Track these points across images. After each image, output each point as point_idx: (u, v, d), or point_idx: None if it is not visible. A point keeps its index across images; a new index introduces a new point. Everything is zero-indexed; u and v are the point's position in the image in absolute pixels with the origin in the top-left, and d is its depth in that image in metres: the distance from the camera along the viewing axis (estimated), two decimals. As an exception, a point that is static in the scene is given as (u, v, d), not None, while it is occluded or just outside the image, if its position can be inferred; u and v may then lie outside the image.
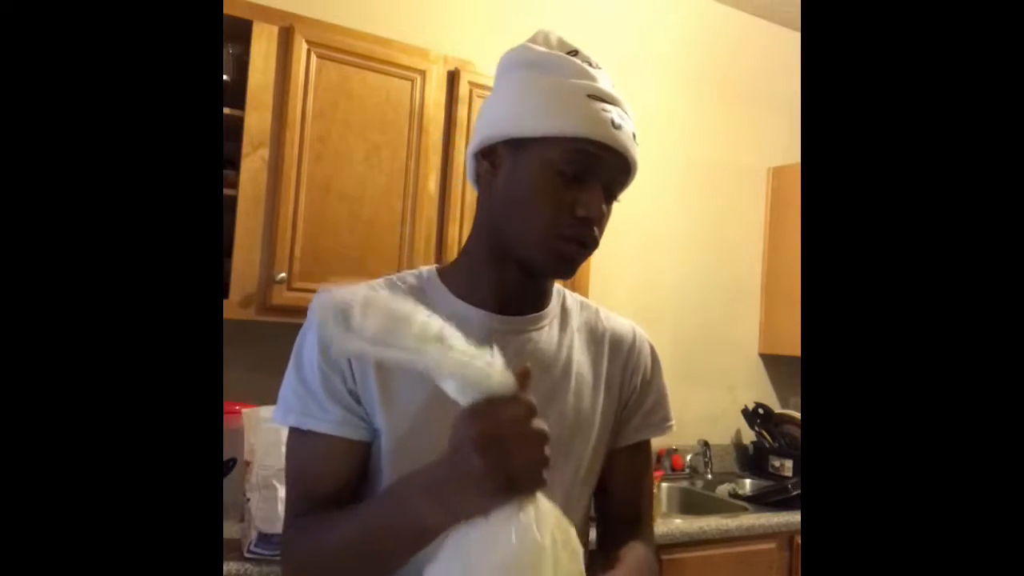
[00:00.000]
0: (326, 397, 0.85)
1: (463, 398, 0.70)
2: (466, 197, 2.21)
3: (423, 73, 2.16)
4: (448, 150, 2.20)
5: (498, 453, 0.67)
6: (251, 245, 1.96)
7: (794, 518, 2.40)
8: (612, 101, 0.87)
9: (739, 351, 3.16)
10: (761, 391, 3.20)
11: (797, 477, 2.73)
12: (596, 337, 0.98)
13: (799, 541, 2.44)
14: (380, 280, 0.92)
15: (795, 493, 2.52)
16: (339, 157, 2.05)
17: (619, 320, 1.03)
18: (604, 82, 0.88)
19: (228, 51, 1.99)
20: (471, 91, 2.22)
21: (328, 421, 0.85)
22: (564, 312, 0.98)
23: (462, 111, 2.20)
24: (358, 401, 0.86)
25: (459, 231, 2.20)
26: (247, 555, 1.69)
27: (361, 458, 0.88)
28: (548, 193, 0.84)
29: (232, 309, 1.93)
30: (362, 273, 2.07)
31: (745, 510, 2.48)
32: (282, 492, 1.69)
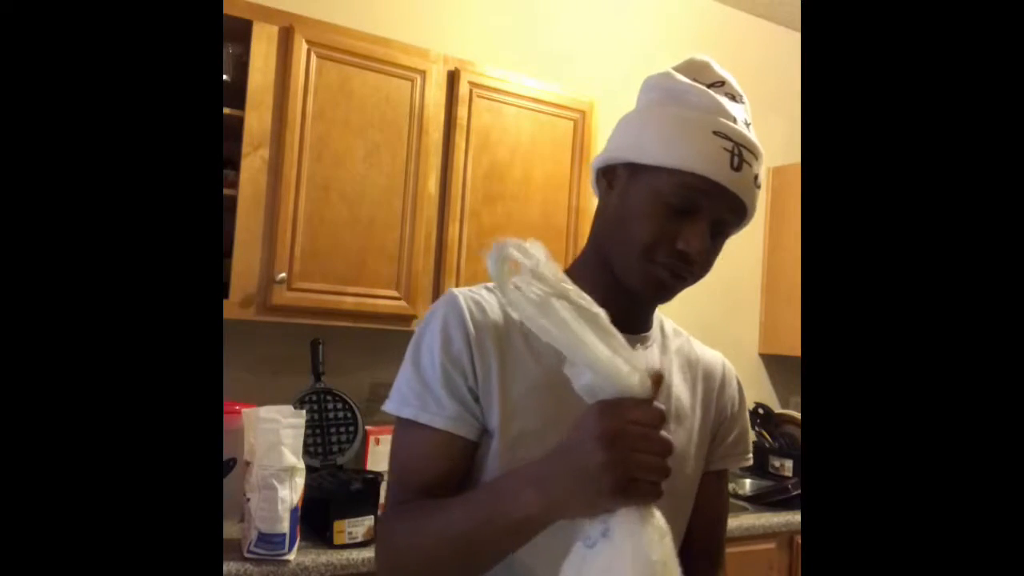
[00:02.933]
0: (444, 393, 0.86)
1: (594, 393, 0.69)
2: (466, 197, 2.21)
3: (423, 73, 2.16)
4: (448, 150, 2.20)
5: (622, 452, 0.66)
6: (251, 245, 1.96)
7: (794, 518, 2.40)
8: (739, 140, 0.86)
9: (739, 351, 3.16)
10: (761, 391, 3.19)
11: (797, 477, 2.73)
12: (690, 365, 1.00)
13: (799, 541, 2.44)
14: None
15: (795, 493, 2.52)
16: (339, 157, 2.05)
17: (709, 351, 1.05)
18: (739, 119, 0.89)
19: (228, 51, 1.99)
20: (471, 91, 2.22)
21: (444, 417, 0.86)
22: (664, 336, 1.00)
23: (462, 111, 2.20)
24: (476, 400, 0.87)
25: (459, 231, 2.20)
26: (247, 555, 1.69)
27: (468, 457, 0.88)
28: (652, 220, 0.86)
29: (232, 309, 1.93)
30: (362, 273, 2.07)
31: (745, 510, 2.48)
32: (282, 492, 1.69)
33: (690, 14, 3.07)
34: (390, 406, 0.90)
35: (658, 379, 0.69)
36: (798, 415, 2.96)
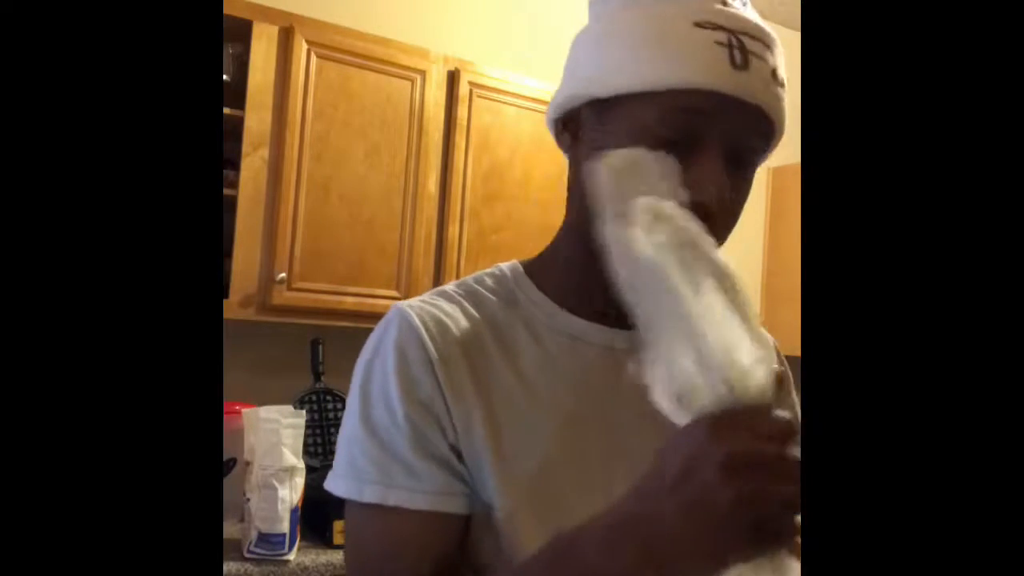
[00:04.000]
0: (417, 457, 0.61)
1: (686, 395, 0.49)
2: (466, 197, 2.21)
3: (423, 73, 2.16)
4: (448, 150, 2.20)
5: (759, 483, 0.46)
6: (251, 245, 1.96)
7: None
8: (737, 27, 0.60)
9: (739, 351, 3.15)
10: (761, 391, 3.19)
11: (797, 477, 2.72)
12: None
13: (799, 541, 2.44)
14: (455, 286, 0.71)
15: (795, 493, 2.52)
16: (339, 157, 2.05)
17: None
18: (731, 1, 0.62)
19: (228, 51, 1.99)
20: (471, 91, 2.22)
21: (423, 492, 0.61)
22: None
23: (462, 111, 2.20)
24: (460, 458, 0.62)
25: (459, 231, 2.20)
26: (247, 555, 1.69)
27: (460, 539, 0.63)
28: None
29: (232, 309, 1.93)
30: (362, 273, 2.07)
31: (745, 510, 2.48)
32: (282, 492, 1.69)
33: (690, 14, 3.07)
34: (339, 486, 0.64)
35: (781, 378, 0.50)
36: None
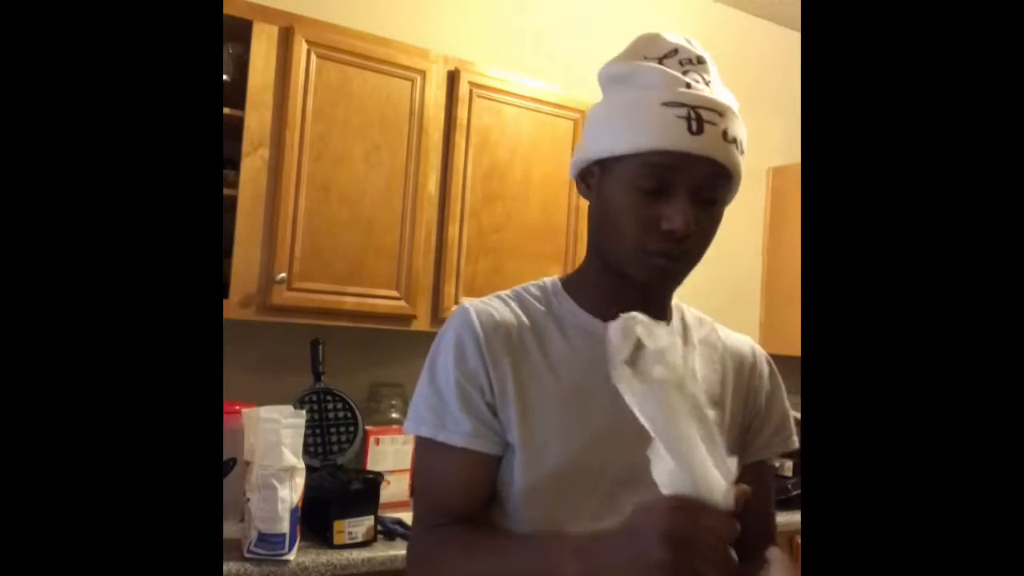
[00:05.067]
0: (461, 409, 0.86)
1: (671, 483, 0.65)
2: (466, 197, 2.21)
3: (423, 73, 2.16)
4: (448, 150, 2.20)
5: (686, 557, 0.62)
6: (251, 245, 1.96)
7: (794, 518, 2.40)
8: (694, 103, 0.83)
9: (739, 351, 3.15)
10: (761, 391, 3.19)
11: (797, 477, 2.73)
12: (716, 355, 0.97)
13: (799, 541, 2.44)
14: (509, 292, 0.94)
15: (795, 493, 2.52)
16: (339, 157, 2.05)
17: (736, 336, 1.02)
18: (695, 82, 0.85)
19: (228, 51, 1.99)
20: (471, 91, 2.22)
21: (462, 434, 0.85)
22: (685, 327, 0.98)
23: (462, 111, 2.20)
24: (495, 414, 0.86)
25: (459, 231, 2.20)
26: (247, 555, 1.69)
27: (492, 472, 0.87)
28: (631, 210, 0.84)
29: (232, 309, 1.93)
30: (362, 273, 2.07)
31: (745, 510, 2.48)
32: (282, 492, 1.69)
33: (690, 14, 3.07)
34: (408, 426, 0.90)
35: (743, 496, 0.64)
36: (798, 415, 2.96)
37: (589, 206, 0.93)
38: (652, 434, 0.66)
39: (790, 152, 3.23)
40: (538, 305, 0.93)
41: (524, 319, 0.91)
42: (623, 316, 0.72)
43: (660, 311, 0.94)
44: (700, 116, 0.82)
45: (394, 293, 2.12)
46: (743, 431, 0.96)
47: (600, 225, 0.90)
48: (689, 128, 0.81)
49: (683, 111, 0.82)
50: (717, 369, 0.96)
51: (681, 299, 1.02)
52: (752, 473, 0.95)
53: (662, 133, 0.82)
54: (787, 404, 1.02)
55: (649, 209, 0.83)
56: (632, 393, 0.67)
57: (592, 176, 0.90)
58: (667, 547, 0.62)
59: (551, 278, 0.97)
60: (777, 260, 3.18)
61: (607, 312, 0.86)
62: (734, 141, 0.85)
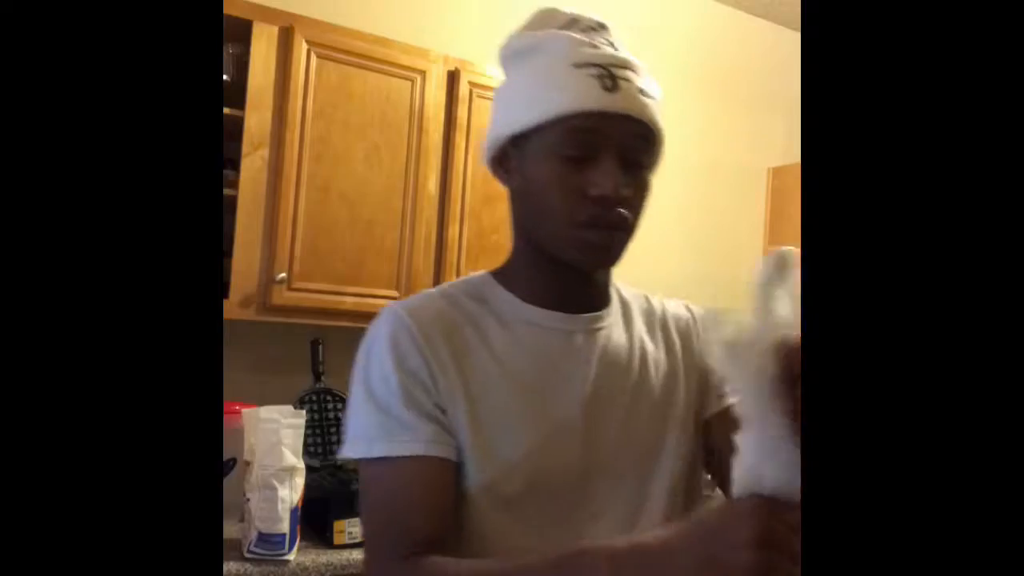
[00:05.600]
0: (411, 415, 0.77)
1: (757, 481, 0.59)
2: (466, 197, 2.21)
3: (423, 73, 2.16)
4: (448, 150, 2.20)
5: (775, 560, 0.56)
6: (251, 245, 1.96)
7: (794, 518, 2.39)
8: (605, 62, 0.78)
9: (739, 351, 3.15)
10: (761, 391, 3.19)
11: (797, 477, 2.72)
12: (657, 323, 0.92)
13: (799, 541, 2.43)
14: (436, 290, 0.87)
15: (795, 493, 2.51)
16: (339, 157, 2.05)
17: (671, 302, 0.97)
18: (601, 44, 0.81)
19: (228, 51, 1.99)
20: (471, 91, 2.22)
21: (420, 441, 0.77)
22: (624, 304, 0.92)
23: (462, 111, 2.20)
24: (444, 412, 0.79)
25: (459, 231, 2.20)
26: (247, 555, 1.69)
27: (453, 482, 0.78)
28: (557, 182, 0.78)
29: (232, 309, 1.93)
30: (362, 274, 2.07)
31: (745, 510, 2.47)
32: (282, 492, 1.69)
33: (690, 14, 3.07)
34: (353, 450, 0.79)
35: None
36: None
37: (510, 192, 0.87)
38: (751, 420, 0.59)
39: (790, 152, 3.23)
40: (469, 299, 0.86)
41: (457, 313, 0.84)
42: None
43: (599, 295, 0.89)
44: (613, 73, 0.78)
45: (394, 293, 2.12)
46: (704, 387, 0.90)
47: (525, 207, 0.84)
48: (604, 86, 0.77)
49: (594, 70, 0.77)
50: (661, 336, 0.91)
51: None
52: (727, 420, 0.84)
53: (576, 94, 0.77)
54: None
55: (575, 178, 0.78)
56: (741, 372, 0.60)
57: (507, 159, 0.84)
58: (754, 549, 0.56)
59: (479, 272, 0.91)
60: (777, 260, 3.18)
61: (547, 299, 0.85)
62: (653, 96, 0.81)
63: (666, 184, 3.19)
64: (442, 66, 2.20)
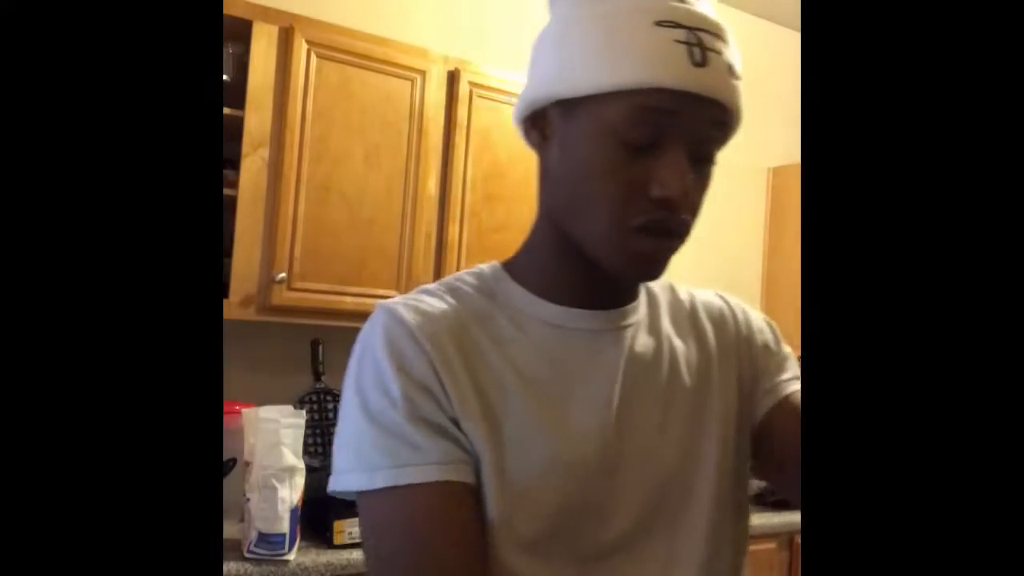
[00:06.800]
0: (418, 431, 0.62)
1: None
2: (466, 197, 2.21)
3: (423, 73, 2.16)
4: (448, 150, 2.20)
5: None
6: (251, 245, 1.96)
7: (794, 518, 2.40)
8: (696, 24, 0.62)
9: (739, 351, 3.15)
10: (761, 391, 3.19)
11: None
12: (686, 316, 0.78)
13: (799, 541, 2.44)
14: (437, 285, 0.73)
15: (795, 493, 2.52)
16: (339, 157, 2.05)
17: (701, 292, 0.83)
18: None
19: (228, 51, 1.99)
20: (471, 91, 2.22)
21: (430, 463, 0.62)
22: (651, 297, 0.78)
23: (462, 111, 2.20)
24: (458, 426, 0.64)
25: (459, 231, 2.20)
26: (247, 555, 1.69)
27: (473, 510, 0.63)
28: (610, 171, 0.63)
29: (232, 309, 1.93)
30: (362, 274, 2.07)
31: (745, 510, 2.48)
32: (282, 492, 1.69)
33: (690, 14, 3.07)
34: (347, 481, 0.64)
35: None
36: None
37: (540, 163, 0.70)
38: None
39: (790, 152, 3.23)
40: (478, 295, 0.71)
41: (465, 312, 0.69)
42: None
43: (630, 288, 0.75)
44: (703, 42, 0.61)
45: (394, 293, 2.12)
46: (749, 381, 0.77)
47: (561, 190, 0.67)
48: (692, 58, 0.61)
49: (682, 34, 0.61)
50: (691, 332, 0.77)
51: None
52: (787, 406, 0.76)
53: (656, 64, 0.60)
54: (774, 337, 0.82)
55: (634, 169, 0.62)
56: None
57: (546, 122, 0.68)
58: None
59: (489, 264, 0.75)
60: (777, 260, 3.18)
61: (568, 295, 0.71)
62: (739, 78, 0.66)
63: (666, 184, 3.20)
64: (442, 66, 2.20)
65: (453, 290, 0.72)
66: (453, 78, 2.21)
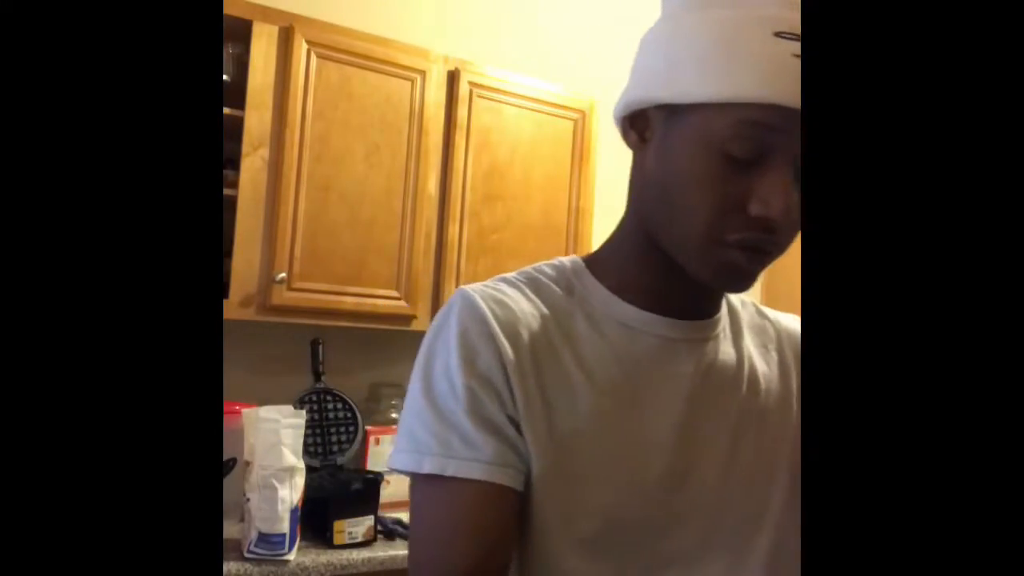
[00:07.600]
0: (475, 426, 0.62)
1: None
2: (466, 197, 2.21)
3: (423, 73, 2.16)
4: (448, 150, 2.20)
5: None
6: (251, 245, 1.96)
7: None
8: None
9: (739, 351, 3.15)
10: (761, 391, 3.19)
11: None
12: (769, 339, 0.77)
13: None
14: (516, 275, 0.72)
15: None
16: (339, 157, 2.05)
17: (787, 317, 0.82)
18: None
19: (228, 51, 1.99)
20: (471, 91, 2.22)
21: (478, 461, 0.62)
22: (732, 312, 0.76)
23: (462, 111, 2.21)
24: (517, 429, 0.63)
25: (459, 231, 2.20)
26: (247, 555, 1.69)
27: (514, 516, 0.63)
28: (711, 183, 0.61)
29: (232, 309, 1.93)
30: (362, 273, 2.07)
31: (745, 510, 2.47)
32: (282, 492, 1.69)
33: (690, 14, 3.07)
34: (400, 460, 0.65)
35: None
36: (798, 415, 2.95)
37: (635, 163, 0.69)
38: None
39: (790, 152, 3.23)
40: (557, 289, 0.70)
41: (543, 307, 0.68)
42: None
43: (713, 296, 0.73)
44: None
45: (394, 293, 2.12)
46: None
47: (656, 193, 0.65)
48: None
49: (799, 47, 0.58)
50: (772, 356, 0.75)
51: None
52: None
53: (773, 78, 0.58)
54: None
55: (736, 184, 0.60)
56: None
57: (646, 124, 0.66)
58: None
59: (569, 257, 0.74)
60: (777, 260, 3.17)
61: (648, 299, 0.69)
62: None
63: (666, 184, 3.19)
64: (442, 66, 2.20)
65: (532, 281, 0.71)
66: (453, 78, 2.21)
